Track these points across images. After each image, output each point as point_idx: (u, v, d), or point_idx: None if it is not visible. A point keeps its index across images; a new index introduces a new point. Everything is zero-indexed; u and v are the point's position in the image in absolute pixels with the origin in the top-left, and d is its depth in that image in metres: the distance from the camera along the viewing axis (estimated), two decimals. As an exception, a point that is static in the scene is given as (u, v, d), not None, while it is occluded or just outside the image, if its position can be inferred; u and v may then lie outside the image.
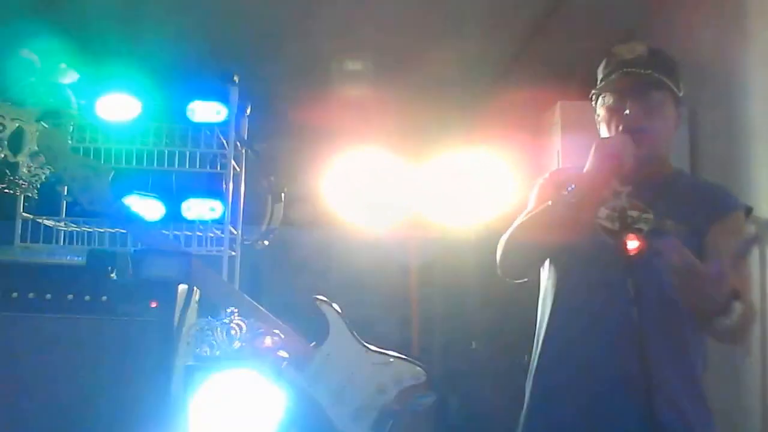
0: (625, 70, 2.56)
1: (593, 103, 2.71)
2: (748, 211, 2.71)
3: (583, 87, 2.77)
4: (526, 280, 2.75)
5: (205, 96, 3.90)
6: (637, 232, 2.42)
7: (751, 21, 3.80)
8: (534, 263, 2.69)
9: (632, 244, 2.30)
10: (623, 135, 2.49)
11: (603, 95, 2.64)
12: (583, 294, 2.54)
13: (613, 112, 2.59)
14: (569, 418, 2.51)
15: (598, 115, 2.68)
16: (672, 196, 2.61)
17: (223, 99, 3.94)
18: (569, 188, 2.46)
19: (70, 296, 3.07)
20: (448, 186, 4.60)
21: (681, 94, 2.63)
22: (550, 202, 2.50)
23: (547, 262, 2.73)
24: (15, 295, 3.06)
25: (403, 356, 3.70)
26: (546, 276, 2.73)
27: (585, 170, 2.49)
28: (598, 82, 2.67)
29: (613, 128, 2.59)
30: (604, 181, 2.44)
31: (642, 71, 2.54)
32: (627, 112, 2.53)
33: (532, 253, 2.64)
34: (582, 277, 2.55)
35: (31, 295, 3.06)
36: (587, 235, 2.51)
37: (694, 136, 4.27)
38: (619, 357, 2.40)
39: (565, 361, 2.55)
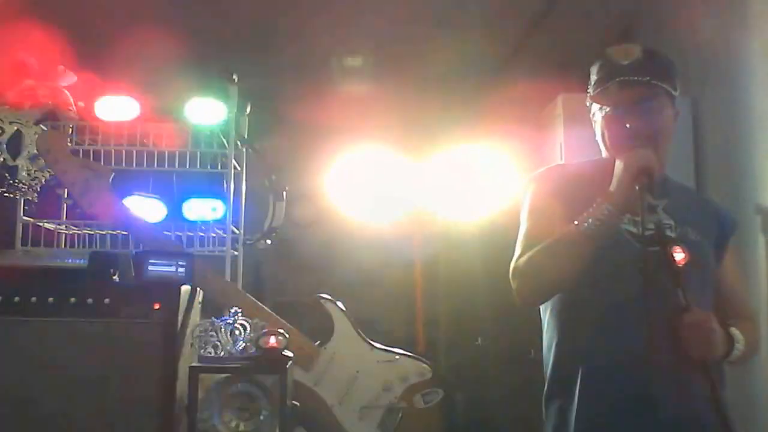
0: (622, 78, 2.49)
1: (588, 106, 2.66)
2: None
3: (585, 79, 2.70)
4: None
5: (205, 95, 3.91)
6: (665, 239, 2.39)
7: (752, 10, 3.79)
8: (563, 288, 2.56)
9: (679, 255, 2.27)
10: (646, 148, 2.43)
11: (600, 105, 2.59)
12: (614, 302, 2.47)
13: (613, 122, 2.54)
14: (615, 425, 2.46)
15: (595, 120, 2.64)
16: (677, 203, 2.58)
17: (223, 98, 3.94)
18: (595, 205, 2.40)
19: (73, 299, 3.04)
20: (451, 181, 4.60)
21: (677, 94, 2.59)
22: (576, 223, 2.41)
23: None
24: (17, 299, 3.03)
25: (409, 353, 3.71)
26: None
27: (614, 186, 2.42)
28: (593, 85, 2.60)
29: (613, 138, 2.55)
30: (637, 197, 2.37)
31: (640, 78, 2.48)
32: (628, 125, 2.49)
33: (564, 278, 2.49)
34: (610, 286, 2.47)
35: (33, 299, 3.03)
36: (613, 242, 2.45)
37: (696, 128, 4.25)
38: (661, 362, 2.34)
39: (607, 373, 2.46)
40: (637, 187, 2.37)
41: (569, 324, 2.58)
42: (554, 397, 2.59)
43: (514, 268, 2.56)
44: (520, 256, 2.57)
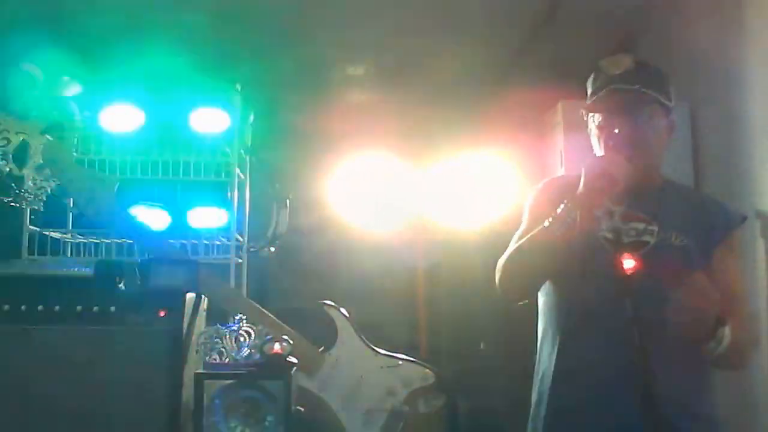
0: (611, 87, 2.56)
1: (585, 117, 2.71)
2: (744, 221, 2.79)
3: (584, 86, 2.76)
4: (527, 301, 2.75)
5: (208, 105, 3.93)
6: (642, 245, 2.48)
7: (750, 18, 3.81)
8: (535, 285, 2.69)
9: (628, 263, 2.29)
10: (614, 154, 2.50)
11: (592, 113, 2.65)
12: (588, 311, 2.53)
13: (603, 130, 2.60)
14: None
15: (590, 130, 2.69)
16: (670, 208, 2.63)
17: (226, 107, 3.96)
18: (562, 207, 2.47)
19: (79, 307, 3.05)
20: (453, 188, 4.59)
21: (671, 104, 2.63)
22: (546, 223, 2.49)
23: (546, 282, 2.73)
24: (24, 307, 3.04)
25: (412, 358, 3.72)
26: (545, 293, 2.73)
27: (578, 191, 2.48)
28: (588, 96, 2.67)
29: (603, 146, 2.60)
30: (596, 201, 2.44)
31: (629, 87, 2.54)
32: (616, 131, 2.55)
33: (533, 276, 2.64)
34: (585, 295, 2.53)
35: (39, 307, 3.04)
36: (588, 252, 2.51)
37: (695, 134, 4.27)
38: (626, 372, 2.33)
39: (577, 379, 2.53)
40: (595, 193, 2.43)
41: (548, 332, 2.68)
42: (536, 401, 2.69)
43: (498, 265, 2.68)
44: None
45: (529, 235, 2.58)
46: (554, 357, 2.60)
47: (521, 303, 2.74)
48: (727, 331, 2.35)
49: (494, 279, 2.70)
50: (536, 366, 2.73)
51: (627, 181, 2.44)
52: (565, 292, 2.62)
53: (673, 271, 2.43)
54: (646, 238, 2.53)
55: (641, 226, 2.53)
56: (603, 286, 2.45)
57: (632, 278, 2.28)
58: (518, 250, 2.62)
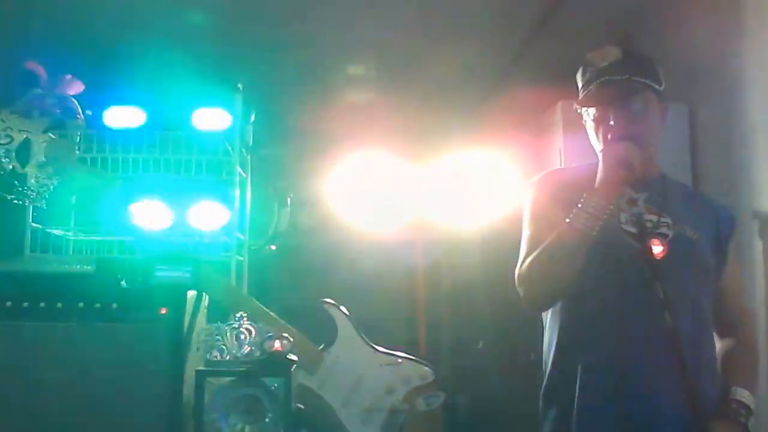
0: (602, 79, 2.57)
1: (579, 112, 2.72)
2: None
3: None
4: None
5: (210, 103, 3.94)
6: (660, 237, 2.47)
7: (749, 19, 3.80)
8: (568, 286, 2.54)
9: (657, 248, 2.33)
10: (627, 141, 2.49)
11: (586, 108, 2.66)
12: (614, 301, 2.50)
13: (599, 123, 2.60)
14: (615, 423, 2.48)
15: (587, 125, 2.68)
16: (675, 201, 2.63)
17: (228, 106, 3.97)
18: (582, 201, 2.45)
19: (81, 304, 3.07)
20: (452, 187, 4.58)
21: (662, 88, 2.63)
22: (567, 220, 2.46)
23: None
24: (26, 304, 3.06)
25: (411, 357, 3.73)
26: None
27: (597, 182, 2.49)
28: (579, 92, 2.68)
29: (601, 138, 2.60)
30: (618, 189, 2.46)
31: (619, 78, 2.55)
32: (612, 122, 2.55)
33: (564, 277, 2.51)
34: (610, 285, 2.51)
35: (41, 304, 3.06)
36: (612, 242, 2.50)
37: (693, 134, 4.26)
38: (658, 359, 2.40)
39: (606, 369, 2.49)
40: (616, 180, 2.44)
41: (569, 323, 2.60)
42: (553, 394, 2.62)
43: (519, 275, 2.61)
44: (523, 262, 2.62)
45: (552, 238, 2.50)
46: (584, 353, 2.54)
47: (547, 310, 2.70)
48: (749, 396, 2.50)
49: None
50: (552, 361, 2.64)
51: (643, 168, 2.46)
52: (591, 290, 2.53)
53: (694, 263, 2.51)
54: (664, 230, 2.53)
55: (655, 218, 2.53)
56: (630, 273, 2.46)
57: (660, 263, 2.32)
58: (543, 255, 2.52)
